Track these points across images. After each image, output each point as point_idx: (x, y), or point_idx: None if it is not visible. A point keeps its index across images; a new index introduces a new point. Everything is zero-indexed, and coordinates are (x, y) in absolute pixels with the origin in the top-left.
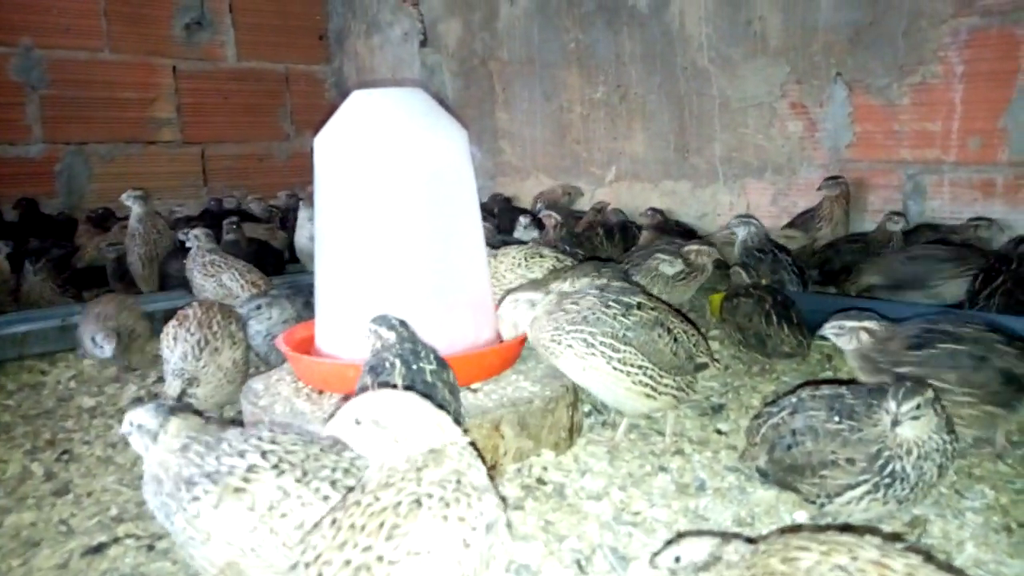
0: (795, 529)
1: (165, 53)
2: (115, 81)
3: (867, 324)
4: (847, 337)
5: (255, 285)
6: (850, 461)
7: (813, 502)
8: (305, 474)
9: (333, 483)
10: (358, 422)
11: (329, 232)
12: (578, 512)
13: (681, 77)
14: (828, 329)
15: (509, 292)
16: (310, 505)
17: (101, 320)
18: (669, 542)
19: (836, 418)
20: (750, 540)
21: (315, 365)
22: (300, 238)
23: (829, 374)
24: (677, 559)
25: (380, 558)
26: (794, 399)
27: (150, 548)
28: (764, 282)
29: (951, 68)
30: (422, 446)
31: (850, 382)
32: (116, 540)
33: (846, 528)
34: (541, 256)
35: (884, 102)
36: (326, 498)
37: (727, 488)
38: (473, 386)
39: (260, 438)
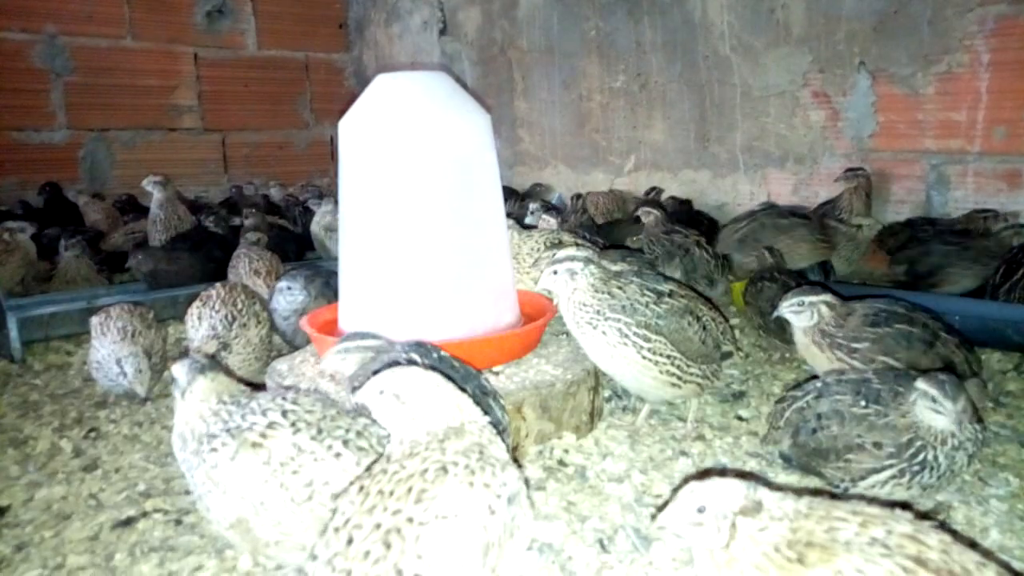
0: (816, 492)
1: (187, 41)
2: (137, 68)
3: (827, 298)
4: (808, 313)
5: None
6: (877, 445)
7: (836, 487)
8: (320, 432)
9: (346, 442)
10: (381, 393)
11: (353, 215)
12: (600, 494)
13: (702, 66)
14: (785, 308)
15: (552, 259)
16: (322, 461)
17: (128, 337)
18: (675, 490)
19: (863, 402)
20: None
21: None
22: (315, 227)
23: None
24: (701, 509)
25: (410, 520)
26: (819, 383)
27: (178, 522)
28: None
29: (977, 57)
30: (440, 424)
31: None
32: (144, 514)
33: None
34: (562, 243)
35: (908, 91)
36: (338, 455)
37: (748, 472)
38: (495, 369)
39: (284, 398)
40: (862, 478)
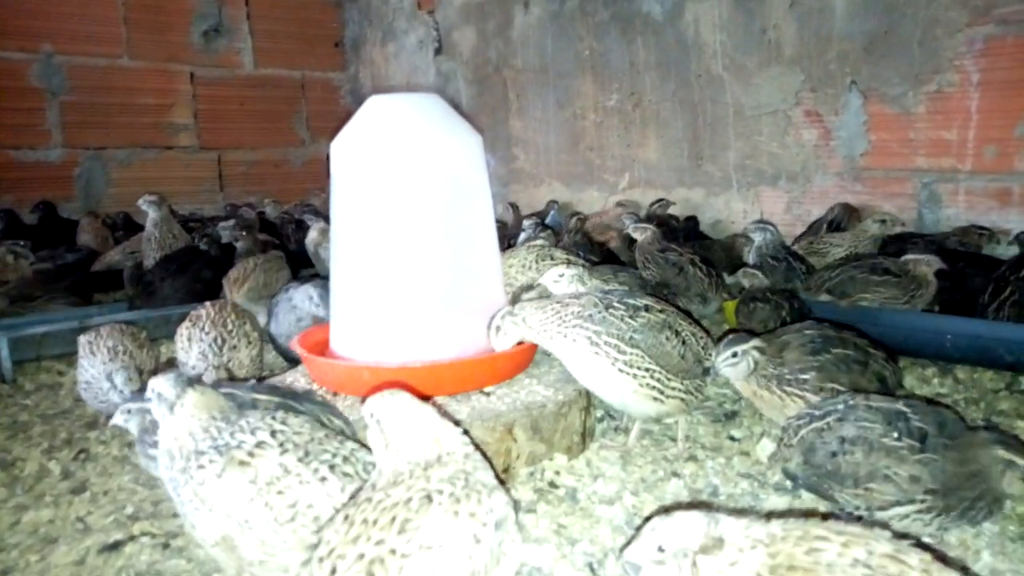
0: (783, 513)
1: (183, 60)
2: (134, 87)
3: (756, 343)
4: (744, 363)
5: None
6: (914, 479)
7: (849, 512)
8: (307, 454)
9: (332, 467)
10: (371, 416)
11: (345, 235)
12: (591, 516)
13: (695, 85)
14: (721, 364)
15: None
16: (307, 484)
17: (118, 356)
18: (639, 528)
19: (895, 434)
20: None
21: (329, 367)
22: (309, 244)
23: None
24: (661, 548)
25: (393, 551)
26: (841, 406)
27: (165, 546)
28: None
29: (967, 77)
30: (423, 452)
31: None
32: (132, 538)
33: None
34: (552, 258)
35: (899, 110)
36: (323, 479)
37: (740, 494)
38: (487, 389)
39: (274, 417)
40: (881, 508)
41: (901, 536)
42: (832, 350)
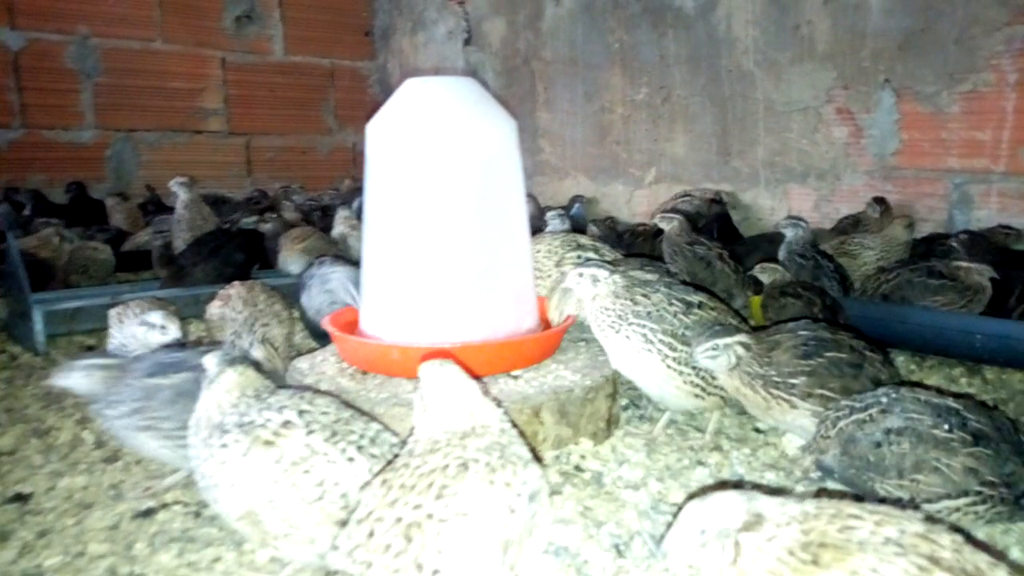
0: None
1: (215, 45)
2: (166, 71)
3: (740, 338)
4: (724, 356)
5: None
6: (971, 472)
7: (891, 503)
8: (334, 435)
9: (359, 448)
10: (420, 381)
11: (377, 216)
12: (616, 500)
13: (725, 80)
14: (700, 355)
15: (575, 267)
16: (334, 464)
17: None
18: (674, 516)
19: (945, 426)
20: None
21: (360, 346)
22: (336, 232)
23: None
24: (703, 531)
25: (431, 515)
26: (883, 399)
27: (197, 515)
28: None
29: (1004, 76)
30: (460, 422)
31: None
32: (164, 506)
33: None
34: (579, 245)
35: (933, 109)
36: (351, 460)
37: (766, 484)
38: (514, 373)
39: (301, 397)
40: (929, 500)
41: (934, 520)
42: (825, 354)
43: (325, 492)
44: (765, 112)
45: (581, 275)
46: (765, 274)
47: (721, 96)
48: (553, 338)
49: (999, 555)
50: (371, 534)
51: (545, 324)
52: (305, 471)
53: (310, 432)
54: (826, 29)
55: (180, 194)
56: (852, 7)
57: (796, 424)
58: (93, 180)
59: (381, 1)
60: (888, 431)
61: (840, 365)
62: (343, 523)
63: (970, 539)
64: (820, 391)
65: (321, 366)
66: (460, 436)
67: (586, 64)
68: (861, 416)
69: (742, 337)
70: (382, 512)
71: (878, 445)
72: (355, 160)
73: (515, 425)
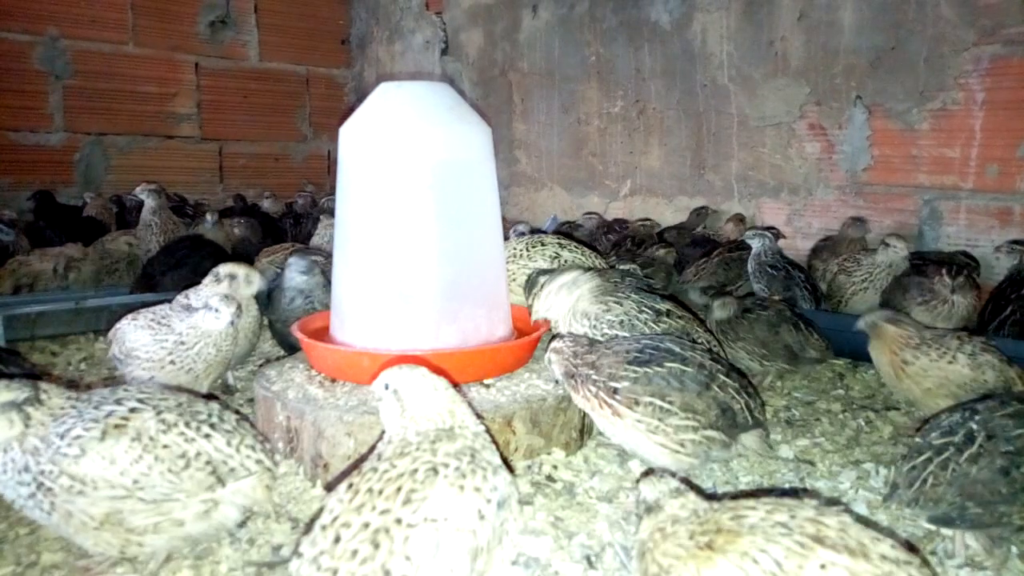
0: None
1: (188, 49)
2: (137, 74)
3: (555, 344)
4: (553, 361)
5: None
6: None
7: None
8: (183, 414)
9: (212, 425)
10: (386, 387)
11: (349, 220)
12: (588, 511)
13: (700, 94)
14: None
15: (542, 273)
16: (193, 441)
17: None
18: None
19: None
20: (710, 496)
21: (329, 353)
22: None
23: (841, 392)
24: (639, 494)
25: (399, 521)
26: (972, 424)
27: None
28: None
29: (972, 95)
30: (432, 426)
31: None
32: None
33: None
34: (543, 244)
35: (903, 126)
36: (208, 436)
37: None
38: (487, 381)
39: (126, 390)
40: None
41: (833, 503)
42: (666, 364)
43: (190, 460)
44: (739, 127)
45: (556, 289)
46: (722, 310)
47: (696, 110)
48: (526, 346)
49: (888, 532)
50: (337, 540)
51: (520, 333)
52: (164, 445)
53: (159, 412)
54: (799, 46)
55: (147, 200)
56: (825, 24)
57: (631, 440)
58: (61, 184)
59: (358, 9)
60: (1008, 453)
61: (681, 378)
62: (211, 488)
63: (860, 519)
64: (650, 399)
65: (289, 373)
66: (431, 440)
67: (563, 76)
68: (971, 451)
69: (557, 343)
70: (348, 517)
71: (1006, 472)
72: (330, 168)
73: (488, 429)
